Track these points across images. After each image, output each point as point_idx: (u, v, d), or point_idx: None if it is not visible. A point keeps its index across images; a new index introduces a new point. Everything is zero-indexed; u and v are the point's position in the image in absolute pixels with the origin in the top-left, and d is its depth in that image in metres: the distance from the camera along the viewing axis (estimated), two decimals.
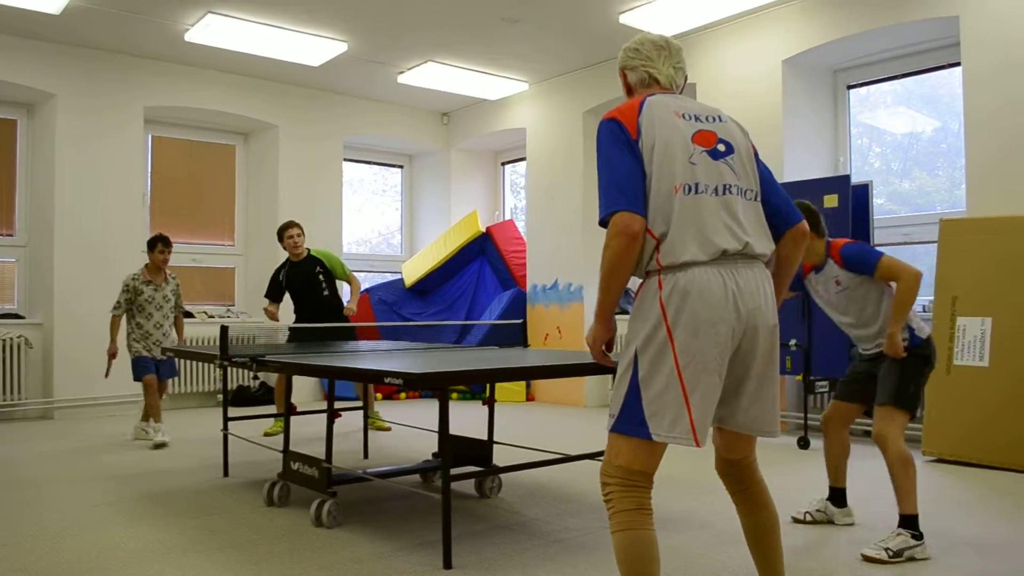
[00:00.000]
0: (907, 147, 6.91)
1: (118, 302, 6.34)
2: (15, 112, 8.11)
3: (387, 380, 3.09)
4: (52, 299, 7.74)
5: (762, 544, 2.39)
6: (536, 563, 3.24)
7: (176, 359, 6.65)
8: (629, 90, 2.50)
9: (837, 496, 3.81)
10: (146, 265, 6.47)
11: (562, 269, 8.89)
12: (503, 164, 11.01)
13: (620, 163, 2.20)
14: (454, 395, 9.09)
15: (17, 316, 7.90)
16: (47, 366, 7.80)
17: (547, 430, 6.87)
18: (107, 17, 7.14)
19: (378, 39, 7.77)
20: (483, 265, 9.90)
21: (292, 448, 4.26)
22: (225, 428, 5.09)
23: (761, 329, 2.22)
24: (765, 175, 2.41)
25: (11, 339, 7.56)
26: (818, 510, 3.82)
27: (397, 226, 11.08)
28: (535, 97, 9.32)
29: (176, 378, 7.00)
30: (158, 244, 6.41)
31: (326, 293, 6.62)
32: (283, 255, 7.09)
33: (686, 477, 4.88)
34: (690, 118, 2.29)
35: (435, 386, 3.02)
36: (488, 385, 4.67)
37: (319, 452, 4.09)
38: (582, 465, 5.02)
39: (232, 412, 7.20)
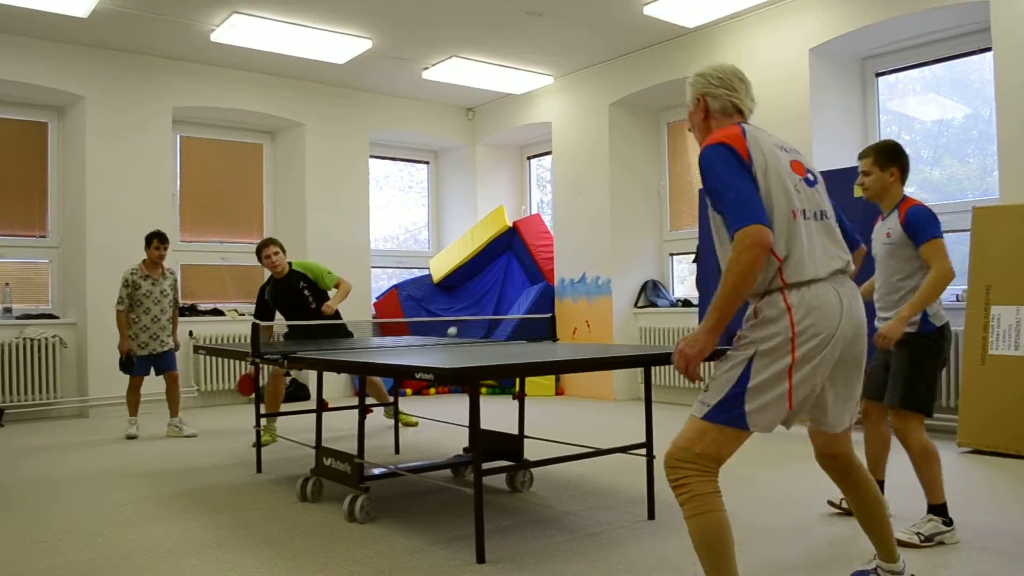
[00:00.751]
0: (937, 134, 6.83)
1: (120, 297, 6.45)
2: (46, 115, 8.21)
3: (418, 376, 3.10)
4: (85, 299, 7.84)
5: (870, 518, 2.60)
6: (569, 557, 3.24)
7: (176, 353, 6.73)
8: (707, 116, 2.55)
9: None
10: (144, 260, 6.59)
11: (590, 262, 8.87)
12: (529, 158, 10.99)
13: (740, 183, 2.28)
14: (483, 390, 9.10)
15: (51, 316, 8.01)
16: (81, 365, 7.90)
17: (577, 424, 6.86)
18: (134, 19, 7.21)
19: (402, 35, 7.78)
20: (510, 260, 9.90)
21: (324, 444, 4.29)
22: (258, 425, 5.13)
23: (862, 336, 2.42)
24: (831, 201, 2.60)
25: (46, 339, 7.66)
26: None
27: (424, 222, 11.11)
28: (560, 91, 9.30)
29: (196, 375, 7.05)
30: (154, 240, 6.54)
31: (314, 306, 6.31)
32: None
33: None
34: (782, 149, 2.44)
35: (465, 381, 3.03)
36: (518, 380, 4.67)
37: (351, 448, 4.11)
38: (613, 459, 5.01)
39: (264, 408, 7.25)
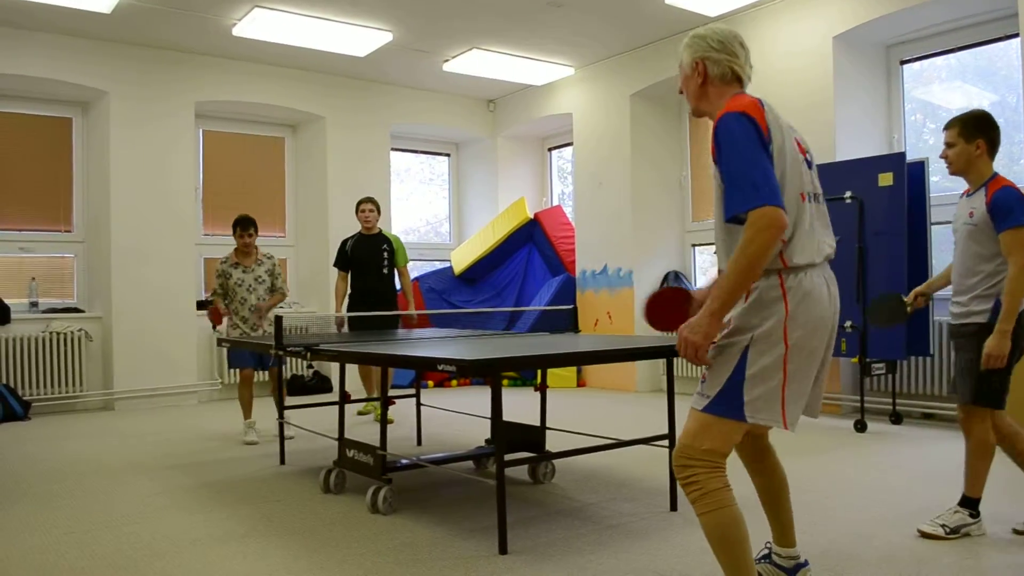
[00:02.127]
0: None
1: (214, 288, 6.24)
2: (70, 110, 8.28)
3: (440, 367, 3.10)
4: (110, 293, 7.91)
5: (776, 503, 2.66)
6: (591, 548, 3.24)
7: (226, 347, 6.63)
8: (704, 80, 2.42)
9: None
10: (235, 248, 6.28)
11: (611, 254, 8.84)
12: (550, 150, 10.96)
13: (761, 160, 2.18)
14: (505, 382, 9.11)
15: (77, 310, 8.09)
16: (107, 358, 7.98)
17: (599, 415, 6.85)
18: (156, 14, 7.25)
19: (423, 28, 7.78)
20: (532, 251, 9.89)
21: (346, 436, 4.31)
22: (281, 417, 5.16)
23: (836, 325, 2.40)
24: None
25: (72, 332, 7.74)
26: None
27: (445, 214, 11.12)
28: (581, 82, 9.27)
29: (220, 367, 6.98)
30: (236, 228, 6.21)
31: (385, 271, 6.96)
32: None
33: (738, 462, 4.83)
34: (788, 127, 2.36)
35: (487, 373, 3.03)
36: (539, 371, 4.67)
37: (373, 440, 4.13)
38: (635, 450, 5.01)
39: (287, 401, 7.30)
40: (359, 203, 7.07)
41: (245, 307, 6.16)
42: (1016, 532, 3.44)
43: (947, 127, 3.41)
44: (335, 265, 7.17)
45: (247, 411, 6.14)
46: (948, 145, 3.40)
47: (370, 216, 7.01)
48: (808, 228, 2.28)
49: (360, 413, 7.17)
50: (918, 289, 3.78)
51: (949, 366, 6.08)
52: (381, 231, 7.11)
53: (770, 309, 2.24)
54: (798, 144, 2.36)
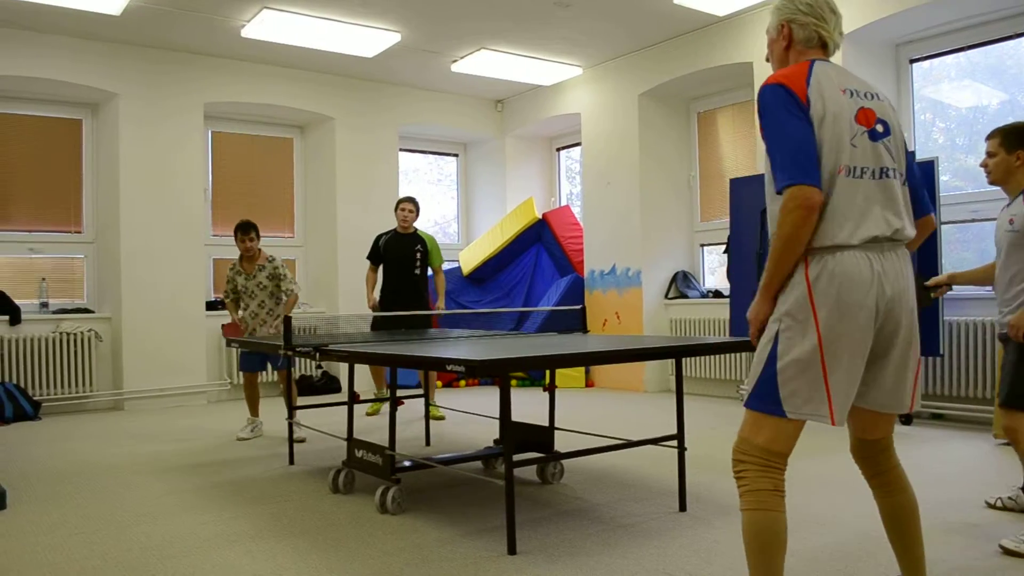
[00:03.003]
0: (972, 121, 6.71)
1: (225, 291, 6.38)
2: (80, 112, 8.32)
3: (449, 367, 3.10)
4: (120, 293, 7.94)
5: (900, 528, 2.36)
6: (600, 549, 3.23)
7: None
8: (789, 45, 2.37)
9: None
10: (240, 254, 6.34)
11: (620, 254, 8.83)
12: (558, 150, 10.96)
13: (794, 131, 2.12)
14: (513, 382, 9.11)
15: (87, 311, 8.12)
16: (116, 358, 8.00)
17: (608, 416, 6.85)
18: (166, 16, 7.27)
19: (431, 28, 7.78)
20: (540, 252, 9.89)
21: (355, 436, 4.31)
22: (290, 417, 5.17)
23: (904, 312, 2.22)
24: (908, 156, 2.38)
25: (82, 333, 7.77)
26: (1010, 497, 3.61)
27: (453, 215, 11.12)
28: (589, 81, 9.26)
29: (231, 368, 7.04)
30: (237, 233, 6.22)
31: (417, 272, 6.99)
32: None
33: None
34: (852, 94, 2.22)
35: (496, 373, 3.02)
36: (548, 371, 4.67)
37: (382, 440, 4.13)
38: (644, 451, 5.00)
39: (297, 402, 7.32)
40: (399, 201, 7.09)
41: (247, 312, 6.33)
42: (988, 505, 3.59)
43: (989, 137, 3.44)
44: (368, 257, 7.22)
45: (254, 409, 6.28)
46: (989, 155, 3.43)
47: (408, 216, 7.02)
48: (846, 206, 2.15)
49: (369, 414, 7.13)
50: (945, 275, 3.78)
51: (959, 366, 6.06)
52: (416, 231, 7.12)
53: (794, 293, 2.17)
54: (864, 113, 2.21)
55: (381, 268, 7.14)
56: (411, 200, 7.08)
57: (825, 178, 2.14)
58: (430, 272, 7.18)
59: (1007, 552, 3.07)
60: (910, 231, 2.26)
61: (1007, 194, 3.46)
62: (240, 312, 6.38)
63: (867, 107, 2.23)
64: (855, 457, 2.44)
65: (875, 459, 2.39)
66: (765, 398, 2.17)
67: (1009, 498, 3.62)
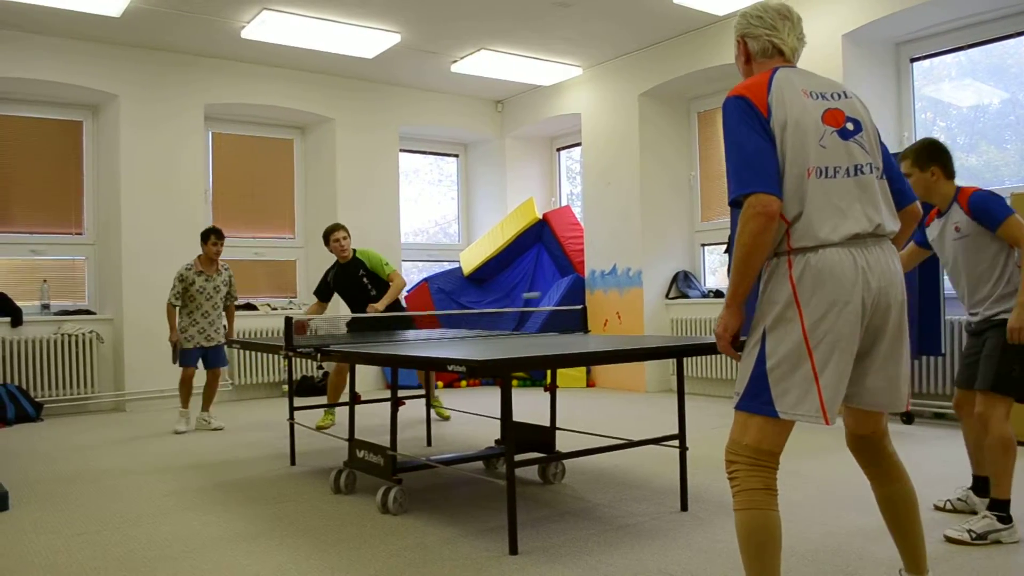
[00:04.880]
0: (973, 120, 6.71)
1: (175, 292, 6.53)
2: (80, 114, 8.32)
3: (450, 368, 3.10)
4: (121, 295, 7.94)
5: (899, 518, 2.38)
6: (601, 549, 3.23)
7: (225, 348, 6.80)
8: (748, 59, 2.45)
9: (979, 485, 3.60)
10: (199, 256, 6.67)
11: (620, 254, 8.83)
12: (558, 150, 10.96)
13: (751, 142, 2.17)
14: (515, 382, 9.11)
15: (88, 312, 8.13)
16: (118, 360, 8.01)
17: (609, 416, 6.85)
18: (166, 17, 7.28)
19: (431, 29, 7.78)
20: (540, 252, 9.89)
21: (357, 436, 4.31)
22: (291, 417, 5.18)
23: (892, 306, 2.23)
24: (883, 150, 2.39)
25: (83, 334, 7.78)
26: (959, 499, 3.62)
27: (454, 215, 11.12)
28: (589, 81, 9.26)
29: (231, 368, 7.16)
30: (211, 236, 6.60)
31: (373, 293, 6.54)
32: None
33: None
34: (817, 96, 2.26)
35: (497, 373, 3.03)
36: (549, 371, 4.67)
37: (384, 440, 4.13)
38: (645, 451, 5.00)
39: (297, 402, 7.32)
40: (328, 233, 6.54)
41: (199, 312, 6.61)
42: (937, 508, 3.62)
43: (901, 159, 3.51)
44: (315, 293, 6.78)
45: (183, 401, 6.68)
46: (906, 175, 3.47)
47: (344, 244, 6.53)
48: (820, 207, 2.17)
49: (320, 427, 6.41)
50: None
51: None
52: (355, 253, 6.62)
53: (778, 293, 2.20)
54: (831, 114, 2.25)
55: (343, 299, 6.68)
56: (339, 227, 6.55)
57: (794, 183, 2.17)
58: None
59: (950, 540, 3.17)
60: (892, 225, 2.27)
61: (937, 206, 3.53)
62: (178, 320, 6.61)
63: (834, 107, 2.26)
64: (851, 449, 2.45)
65: (870, 451, 2.41)
66: (756, 398, 2.19)
67: (959, 499, 3.63)
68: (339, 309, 8.89)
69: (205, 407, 6.76)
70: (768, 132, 2.17)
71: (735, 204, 2.19)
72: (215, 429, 6.64)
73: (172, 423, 6.89)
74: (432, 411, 6.39)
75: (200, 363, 6.70)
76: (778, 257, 2.23)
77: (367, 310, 6.41)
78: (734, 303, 2.23)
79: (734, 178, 2.17)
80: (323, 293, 6.73)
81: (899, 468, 2.39)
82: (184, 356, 6.60)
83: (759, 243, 2.11)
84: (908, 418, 6.10)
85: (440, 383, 9.19)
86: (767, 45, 2.39)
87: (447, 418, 6.80)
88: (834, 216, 2.17)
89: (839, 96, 2.30)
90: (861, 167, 2.23)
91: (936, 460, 4.73)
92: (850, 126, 2.26)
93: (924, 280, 5.77)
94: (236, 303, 6.97)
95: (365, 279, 6.55)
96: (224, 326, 6.79)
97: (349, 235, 6.63)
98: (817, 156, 2.19)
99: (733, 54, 2.50)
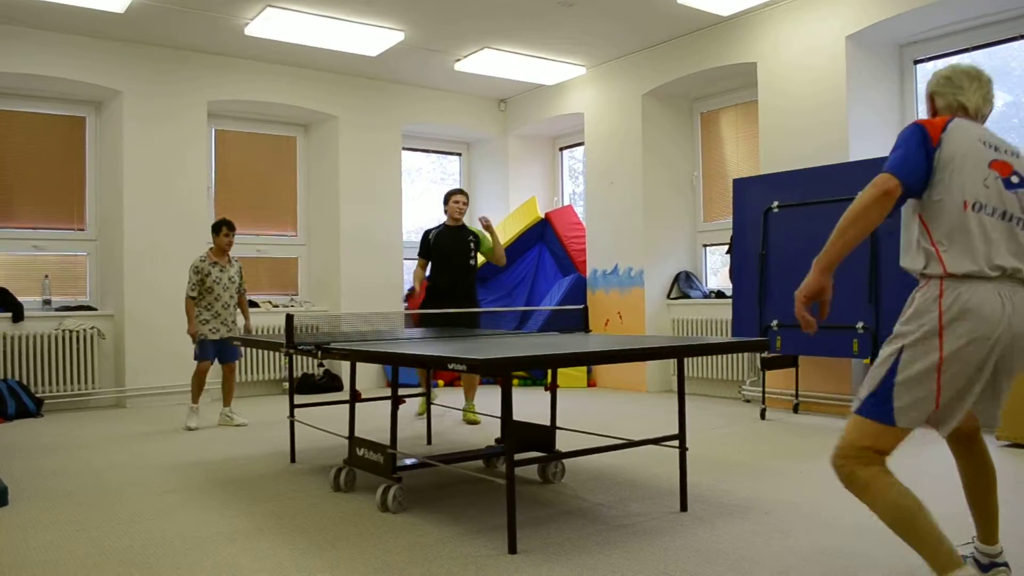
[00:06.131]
0: None
1: (192, 284, 6.54)
2: (84, 110, 8.33)
3: (450, 366, 3.10)
4: (122, 291, 7.94)
5: (980, 492, 2.63)
6: (601, 548, 3.23)
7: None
8: (934, 114, 2.66)
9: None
10: (210, 248, 6.72)
11: (622, 254, 8.83)
12: (561, 150, 10.96)
13: (914, 152, 2.37)
14: (515, 381, 9.10)
15: (89, 308, 8.13)
16: (119, 356, 8.01)
17: (609, 416, 6.84)
18: (169, 14, 7.28)
19: (434, 27, 7.78)
20: (542, 251, 9.89)
21: (357, 435, 4.31)
22: (292, 415, 5.17)
23: (1021, 347, 2.37)
24: None
25: (84, 330, 7.78)
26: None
27: None
28: (592, 81, 9.26)
29: (240, 364, 7.19)
30: (223, 228, 6.68)
31: (472, 262, 6.87)
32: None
33: (749, 462, 4.82)
34: (991, 147, 2.44)
35: (498, 372, 3.02)
36: (550, 371, 4.67)
37: (384, 439, 4.13)
38: (645, 451, 5.00)
39: (297, 399, 7.31)
40: (452, 194, 6.95)
41: (219, 304, 6.63)
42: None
43: None
44: (419, 254, 7.00)
45: (195, 396, 6.66)
46: None
47: (463, 208, 6.93)
48: (977, 239, 2.31)
49: (419, 414, 6.89)
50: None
51: None
52: (465, 224, 7.00)
53: (924, 317, 2.32)
54: (1001, 164, 2.41)
55: (435, 260, 6.90)
56: (463, 192, 6.99)
57: (954, 211, 2.35)
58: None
59: None
60: None
61: None
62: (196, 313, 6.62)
63: (1004, 160, 2.44)
64: (947, 439, 2.62)
65: (964, 441, 2.63)
66: (879, 407, 2.33)
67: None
68: (341, 308, 8.88)
69: (227, 402, 6.78)
70: (930, 158, 2.38)
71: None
72: (238, 425, 6.64)
73: (178, 420, 6.89)
74: (464, 416, 6.67)
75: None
76: (931, 280, 2.36)
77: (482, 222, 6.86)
78: (826, 266, 2.38)
79: (891, 160, 2.38)
80: (426, 251, 6.91)
81: (986, 453, 2.63)
82: (203, 350, 6.57)
83: (866, 212, 2.31)
84: None
85: (440, 381, 9.19)
86: (952, 102, 2.58)
87: (476, 422, 6.70)
88: (986, 246, 2.32)
89: (1012, 153, 2.48)
90: (1013, 217, 2.39)
91: (934, 461, 4.72)
92: (1015, 179, 2.43)
93: None
94: (250, 298, 6.97)
95: (472, 245, 6.86)
96: (235, 320, 6.80)
97: (468, 204, 7.02)
98: (977, 192, 2.36)
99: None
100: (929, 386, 2.28)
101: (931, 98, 2.66)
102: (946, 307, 2.28)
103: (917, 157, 2.35)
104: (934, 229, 2.36)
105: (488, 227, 6.87)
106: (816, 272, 2.38)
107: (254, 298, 9.02)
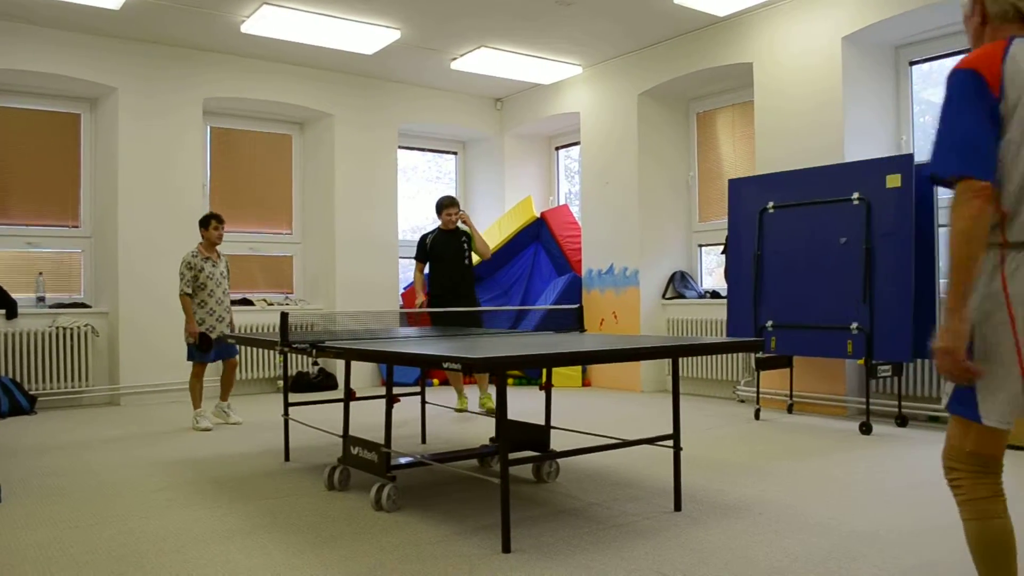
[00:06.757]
0: None
1: (186, 280, 6.43)
2: (79, 106, 8.30)
3: (445, 366, 3.10)
4: (117, 288, 7.93)
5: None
6: (594, 548, 3.23)
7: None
8: (984, 20, 2.15)
9: None
10: (200, 244, 6.61)
11: (617, 254, 8.83)
12: (557, 149, 10.96)
13: (971, 120, 1.96)
14: (510, 381, 9.10)
15: (83, 305, 8.11)
16: (113, 353, 8.00)
17: (604, 415, 6.85)
18: (165, 11, 7.26)
19: (431, 26, 7.78)
20: (538, 250, 9.89)
21: (351, 433, 4.31)
22: (286, 413, 5.17)
23: None
24: None
25: (78, 327, 7.76)
26: None
27: None
28: (589, 81, 9.26)
29: (220, 363, 7.13)
30: (212, 221, 6.59)
31: (467, 262, 7.13)
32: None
33: (743, 462, 4.83)
34: None
35: (493, 371, 3.02)
36: (545, 370, 4.67)
37: (378, 437, 4.13)
38: (640, 450, 5.00)
39: (292, 398, 7.30)
40: (445, 205, 7.12)
41: (213, 300, 6.54)
42: None
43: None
44: (415, 257, 7.23)
45: (198, 401, 6.50)
46: None
47: (456, 218, 7.12)
48: None
49: (458, 410, 7.00)
50: None
51: None
52: (456, 227, 7.20)
53: (988, 288, 2.01)
54: None
55: (432, 265, 7.16)
56: (454, 204, 7.16)
57: (1018, 170, 1.97)
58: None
59: None
60: None
61: None
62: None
63: None
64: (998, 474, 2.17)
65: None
66: (962, 401, 2.06)
67: None
68: (338, 307, 8.88)
69: (224, 397, 6.73)
70: (995, 114, 1.96)
71: (935, 181, 2.05)
72: (234, 423, 6.60)
73: (171, 418, 6.87)
74: (481, 407, 6.93)
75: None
76: (989, 249, 2.01)
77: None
78: (958, 307, 1.95)
79: (949, 154, 1.99)
80: (423, 255, 7.17)
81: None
82: (204, 350, 6.42)
83: (977, 227, 1.92)
84: (902, 421, 6.11)
85: (435, 380, 9.19)
86: (1008, 8, 2.09)
87: (492, 411, 6.74)
88: None
89: None
90: None
91: (929, 462, 4.73)
92: None
93: (920, 281, 5.77)
94: (231, 297, 6.95)
95: (467, 247, 7.14)
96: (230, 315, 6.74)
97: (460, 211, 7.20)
98: None
99: (964, 14, 2.25)
100: (1012, 366, 1.95)
101: (979, 1, 2.14)
102: (1009, 276, 1.96)
103: (982, 130, 1.94)
104: (1000, 191, 1.98)
105: (465, 221, 7.13)
106: (959, 315, 1.96)
107: (249, 296, 9.01)
